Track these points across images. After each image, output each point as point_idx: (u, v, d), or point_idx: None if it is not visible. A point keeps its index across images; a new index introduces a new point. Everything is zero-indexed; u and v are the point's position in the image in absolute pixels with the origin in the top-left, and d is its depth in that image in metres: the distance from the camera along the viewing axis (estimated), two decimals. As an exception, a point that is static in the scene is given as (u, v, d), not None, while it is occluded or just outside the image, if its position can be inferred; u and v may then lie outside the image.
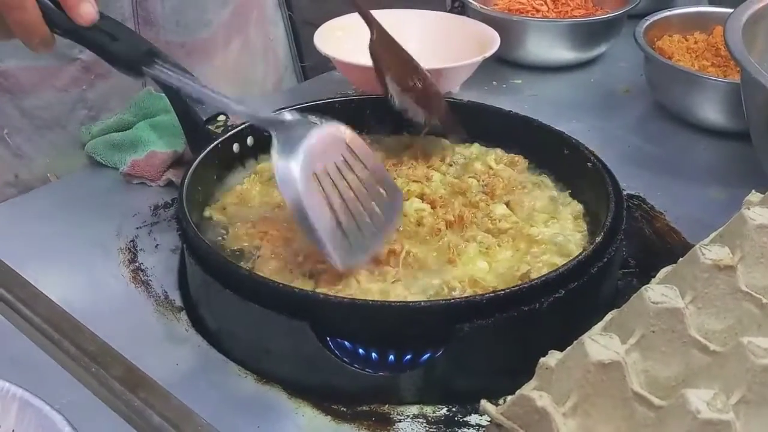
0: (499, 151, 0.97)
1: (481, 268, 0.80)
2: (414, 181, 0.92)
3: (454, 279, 0.78)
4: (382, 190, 0.83)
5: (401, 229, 0.85)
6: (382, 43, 0.95)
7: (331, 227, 0.78)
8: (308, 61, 1.37)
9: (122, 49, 0.82)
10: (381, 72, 0.94)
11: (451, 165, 0.96)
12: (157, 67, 0.82)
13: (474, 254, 0.81)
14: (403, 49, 0.97)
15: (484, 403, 0.58)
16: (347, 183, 0.80)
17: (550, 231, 0.84)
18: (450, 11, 1.39)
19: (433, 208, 0.87)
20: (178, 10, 1.15)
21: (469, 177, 0.92)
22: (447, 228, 0.84)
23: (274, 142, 0.79)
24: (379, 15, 0.98)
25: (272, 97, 1.25)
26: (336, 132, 0.81)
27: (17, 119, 1.11)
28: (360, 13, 0.96)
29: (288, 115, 0.81)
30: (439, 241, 0.83)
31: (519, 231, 0.84)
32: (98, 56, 0.84)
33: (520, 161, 0.95)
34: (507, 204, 0.88)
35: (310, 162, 0.78)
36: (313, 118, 0.82)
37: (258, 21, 1.30)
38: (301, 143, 0.78)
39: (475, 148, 0.98)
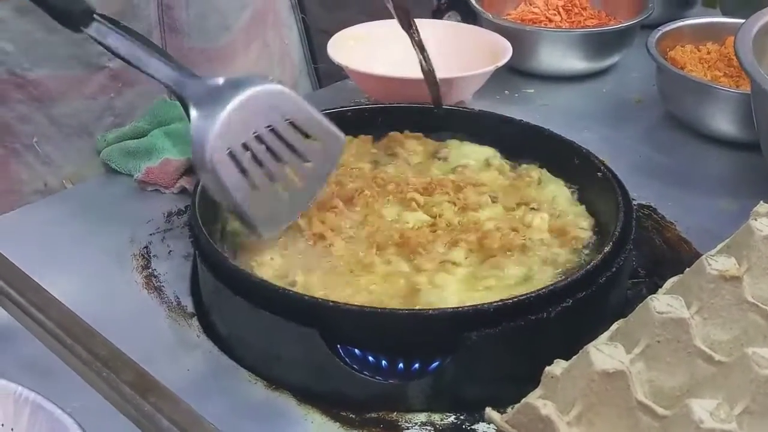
0: (580, 222, 0.88)
1: (344, 283, 0.79)
2: (450, 202, 0.89)
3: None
4: (316, 144, 0.81)
5: (373, 228, 0.85)
6: None
7: (250, 198, 0.77)
8: (321, 64, 1.38)
9: (61, 4, 0.82)
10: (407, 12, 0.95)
11: (533, 207, 0.89)
12: (95, 24, 0.82)
13: (375, 274, 0.80)
14: None
15: (489, 411, 0.59)
16: (271, 147, 0.78)
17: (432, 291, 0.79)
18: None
19: (431, 226, 0.86)
20: (201, 17, 1.16)
21: (497, 226, 0.85)
22: (396, 246, 0.83)
23: (192, 110, 0.77)
24: (393, 25, 0.99)
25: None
26: (262, 94, 0.77)
27: (46, 127, 1.12)
28: None
29: (217, 80, 0.78)
30: (364, 251, 0.83)
31: (416, 280, 0.80)
32: (38, 7, 0.84)
33: (574, 238, 0.85)
34: (486, 261, 0.82)
35: (228, 133, 0.75)
36: (244, 80, 0.78)
37: (274, 25, 1.31)
38: (220, 111, 0.75)
39: (578, 212, 0.89)
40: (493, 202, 0.90)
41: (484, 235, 0.84)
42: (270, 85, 0.79)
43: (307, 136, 0.81)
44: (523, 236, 0.84)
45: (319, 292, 0.77)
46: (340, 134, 0.83)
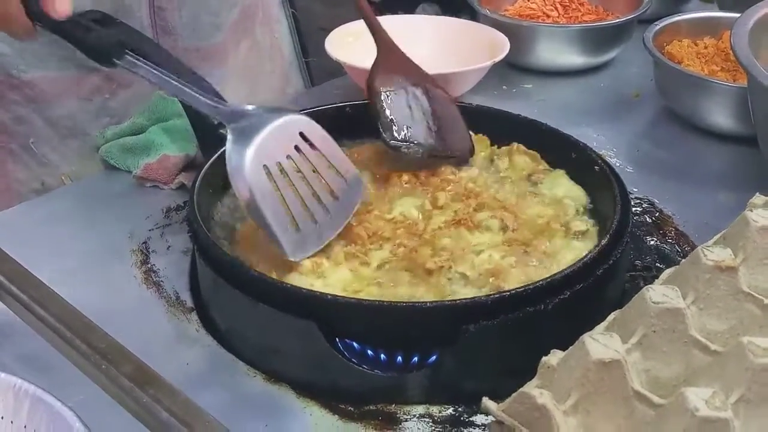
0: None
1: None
2: (454, 212, 0.87)
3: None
4: (341, 179, 0.84)
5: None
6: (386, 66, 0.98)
7: (282, 218, 0.79)
8: (313, 58, 1.38)
9: (93, 41, 0.86)
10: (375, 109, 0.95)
11: (525, 251, 0.83)
12: (127, 58, 0.86)
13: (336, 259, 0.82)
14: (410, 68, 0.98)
15: (486, 401, 0.59)
16: (302, 174, 0.81)
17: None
18: None
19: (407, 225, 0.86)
20: (193, 17, 1.17)
21: (445, 246, 0.82)
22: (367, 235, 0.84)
23: (229, 134, 0.80)
24: (389, 20, 0.99)
25: (282, 102, 1.26)
26: (294, 122, 0.82)
27: (42, 128, 1.13)
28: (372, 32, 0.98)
29: (249, 108, 0.83)
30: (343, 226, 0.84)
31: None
32: (73, 47, 0.88)
33: (497, 288, 0.78)
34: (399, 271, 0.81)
35: (263, 153, 0.79)
36: (277, 109, 0.83)
37: (263, 20, 1.32)
38: (256, 134, 0.79)
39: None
40: (502, 230, 0.85)
41: (416, 248, 0.82)
42: (302, 115, 0.84)
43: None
44: (444, 261, 0.80)
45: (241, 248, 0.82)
46: (359, 177, 0.87)
